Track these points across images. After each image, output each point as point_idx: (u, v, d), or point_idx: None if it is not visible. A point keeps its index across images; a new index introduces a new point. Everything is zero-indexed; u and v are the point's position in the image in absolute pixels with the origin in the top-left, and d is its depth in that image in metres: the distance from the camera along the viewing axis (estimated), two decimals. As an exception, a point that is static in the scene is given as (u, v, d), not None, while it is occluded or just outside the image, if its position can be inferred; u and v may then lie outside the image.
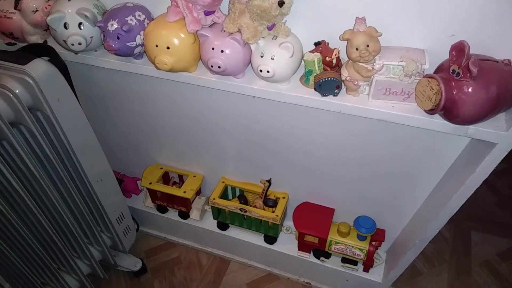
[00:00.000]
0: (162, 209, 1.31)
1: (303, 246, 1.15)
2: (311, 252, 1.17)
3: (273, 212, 1.11)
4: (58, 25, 0.77)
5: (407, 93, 0.68)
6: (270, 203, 1.12)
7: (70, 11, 0.77)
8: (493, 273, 1.35)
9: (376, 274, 1.14)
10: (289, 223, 1.22)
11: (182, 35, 0.73)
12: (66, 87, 0.82)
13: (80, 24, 0.78)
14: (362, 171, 0.97)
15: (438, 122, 0.67)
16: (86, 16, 0.77)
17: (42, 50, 0.86)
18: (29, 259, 0.97)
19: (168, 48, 0.73)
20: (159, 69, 0.77)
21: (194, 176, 1.23)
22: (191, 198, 1.20)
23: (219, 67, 0.72)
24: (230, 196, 1.25)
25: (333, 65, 0.72)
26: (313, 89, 0.73)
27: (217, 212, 1.21)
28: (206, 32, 0.72)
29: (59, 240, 0.98)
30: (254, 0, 0.64)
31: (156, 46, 0.74)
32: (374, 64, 0.67)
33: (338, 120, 0.87)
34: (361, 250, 1.05)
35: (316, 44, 0.73)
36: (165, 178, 1.28)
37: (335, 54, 0.71)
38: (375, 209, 1.06)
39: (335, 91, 0.72)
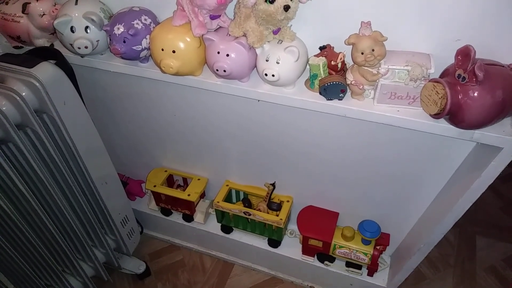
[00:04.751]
0: (166, 212, 1.32)
1: (307, 250, 1.15)
2: (315, 256, 1.17)
3: (277, 215, 1.11)
4: (65, 28, 0.78)
5: (412, 98, 0.68)
6: (274, 206, 1.12)
7: (76, 14, 0.78)
8: (498, 278, 1.34)
9: (381, 278, 1.14)
10: (293, 226, 1.22)
11: (188, 39, 0.74)
12: (72, 90, 0.83)
13: (86, 27, 0.79)
14: (367, 175, 0.97)
15: (443, 126, 0.67)
16: (92, 19, 0.78)
17: (48, 54, 0.87)
18: (33, 261, 0.97)
19: (174, 52, 0.74)
20: (164, 72, 0.78)
21: (198, 179, 1.23)
22: (195, 201, 1.20)
23: (224, 70, 0.73)
24: (234, 199, 1.25)
25: (338, 69, 0.72)
26: (318, 93, 0.73)
27: (221, 215, 1.21)
28: (211, 36, 0.73)
29: (63, 242, 0.98)
30: (259, 5, 0.64)
31: (162, 50, 0.74)
32: (379, 68, 0.67)
33: (343, 124, 0.87)
34: (365, 254, 1.05)
35: (321, 48, 0.73)
36: (170, 181, 1.29)
37: (340, 58, 0.71)
38: (380, 213, 1.06)
39: (340, 95, 0.72)
